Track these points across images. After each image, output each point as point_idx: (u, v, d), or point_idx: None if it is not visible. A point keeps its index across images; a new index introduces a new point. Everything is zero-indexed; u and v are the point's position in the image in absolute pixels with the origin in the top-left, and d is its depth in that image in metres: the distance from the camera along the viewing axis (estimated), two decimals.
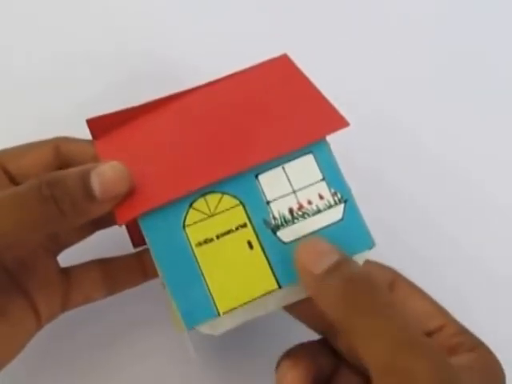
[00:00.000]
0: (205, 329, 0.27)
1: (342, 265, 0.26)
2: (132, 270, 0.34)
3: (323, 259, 0.26)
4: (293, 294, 0.28)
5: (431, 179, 0.44)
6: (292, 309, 0.30)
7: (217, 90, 0.31)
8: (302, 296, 0.28)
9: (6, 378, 0.35)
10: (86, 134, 0.32)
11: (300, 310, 0.31)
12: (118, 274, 0.34)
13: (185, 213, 0.27)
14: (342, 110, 0.29)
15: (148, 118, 0.31)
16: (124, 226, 0.34)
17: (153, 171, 0.28)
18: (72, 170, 0.27)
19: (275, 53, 0.33)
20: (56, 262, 0.33)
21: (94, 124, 0.31)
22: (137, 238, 0.34)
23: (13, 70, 0.45)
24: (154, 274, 0.33)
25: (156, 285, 0.33)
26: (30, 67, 0.45)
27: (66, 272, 0.33)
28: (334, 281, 0.25)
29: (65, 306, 0.33)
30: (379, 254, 0.30)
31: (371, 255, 0.29)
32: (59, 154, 0.32)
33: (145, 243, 0.32)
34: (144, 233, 0.27)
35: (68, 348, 0.37)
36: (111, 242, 0.36)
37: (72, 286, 0.33)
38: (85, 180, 0.26)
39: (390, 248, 0.32)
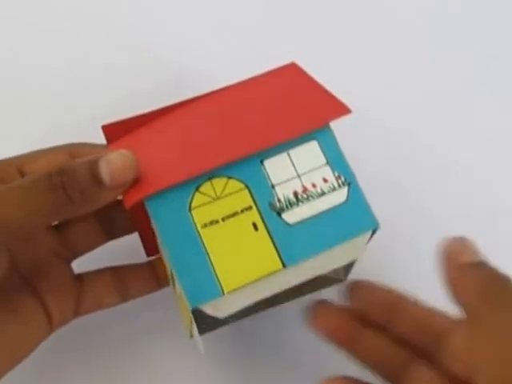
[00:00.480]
0: (209, 309, 0.28)
1: (486, 263, 0.29)
2: (145, 276, 0.36)
3: (470, 254, 0.29)
4: (297, 276, 0.29)
5: (429, 174, 0.46)
6: (360, 356, 0.32)
7: (226, 94, 0.34)
8: (306, 277, 0.29)
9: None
10: (101, 140, 0.35)
11: (370, 356, 0.32)
12: (130, 280, 0.36)
13: (191, 196, 0.29)
14: None
15: (159, 120, 0.33)
16: (138, 235, 0.36)
17: (161, 160, 0.30)
18: (81, 159, 0.29)
19: (283, 59, 0.36)
20: (69, 268, 0.35)
21: (108, 130, 0.33)
22: (150, 247, 0.36)
23: (31, 77, 0.49)
24: (167, 283, 0.35)
25: (168, 293, 0.35)
26: (47, 74, 0.49)
27: (79, 277, 0.35)
28: (476, 273, 0.28)
29: (77, 311, 0.34)
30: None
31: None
32: (73, 159, 0.34)
33: (158, 252, 0.34)
34: (150, 214, 0.29)
35: (72, 355, 0.38)
36: (125, 252, 0.38)
37: (84, 290, 0.35)
38: (93, 168, 0.28)
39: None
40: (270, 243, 0.28)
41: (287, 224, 0.29)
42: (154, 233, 0.33)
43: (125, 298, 0.36)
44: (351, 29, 0.53)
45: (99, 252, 0.37)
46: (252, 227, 0.29)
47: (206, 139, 0.31)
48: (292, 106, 0.31)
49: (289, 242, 0.28)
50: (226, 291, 0.27)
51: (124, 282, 0.36)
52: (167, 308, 0.36)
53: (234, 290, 0.28)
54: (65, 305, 0.34)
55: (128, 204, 0.29)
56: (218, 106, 0.33)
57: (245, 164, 0.29)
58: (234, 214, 0.29)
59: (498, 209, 0.44)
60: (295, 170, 0.30)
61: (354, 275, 0.36)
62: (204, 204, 0.29)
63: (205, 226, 0.28)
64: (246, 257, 0.28)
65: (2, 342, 0.31)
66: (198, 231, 0.28)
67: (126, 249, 0.38)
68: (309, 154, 0.30)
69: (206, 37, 0.52)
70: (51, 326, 0.33)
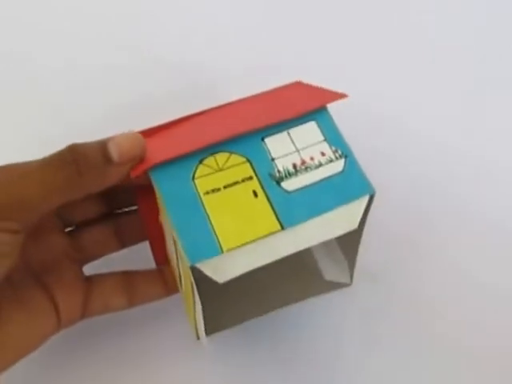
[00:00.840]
0: (208, 270, 0.30)
1: None
2: (153, 281, 0.39)
3: None
4: (296, 243, 0.31)
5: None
6: None
7: (235, 103, 0.38)
8: (306, 245, 0.31)
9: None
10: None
11: None
12: (139, 284, 0.38)
13: (194, 167, 0.32)
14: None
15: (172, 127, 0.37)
16: (148, 245, 0.39)
17: (168, 141, 0.34)
18: (91, 141, 0.32)
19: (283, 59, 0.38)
20: (80, 269, 0.38)
21: None
22: (160, 256, 0.39)
23: (31, 77, 0.52)
24: (175, 290, 0.38)
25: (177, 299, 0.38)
26: (47, 74, 0.52)
27: (89, 278, 0.38)
28: None
29: (85, 310, 0.37)
30: None
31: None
32: None
33: (167, 261, 0.37)
34: (154, 183, 0.32)
35: (78, 356, 0.40)
36: (136, 261, 0.40)
37: (93, 289, 0.37)
38: (103, 148, 0.31)
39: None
40: (269, 208, 0.31)
41: (286, 191, 0.32)
42: (163, 242, 0.37)
43: (132, 301, 0.38)
44: (351, 29, 0.56)
45: (111, 261, 0.40)
46: (252, 194, 0.32)
47: (212, 124, 0.34)
48: (293, 98, 0.36)
49: (287, 207, 0.31)
50: (224, 249, 0.30)
51: (132, 285, 0.38)
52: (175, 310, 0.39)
53: (233, 248, 0.30)
54: (72, 300, 0.36)
55: (134, 174, 0.31)
56: (227, 109, 0.37)
57: (247, 141, 0.33)
58: (235, 183, 0.32)
59: (498, 208, 0.47)
60: (294, 146, 0.33)
61: (356, 276, 0.39)
62: (207, 174, 0.32)
63: (207, 193, 0.31)
64: (245, 220, 0.31)
65: (7, 332, 0.33)
66: (200, 198, 0.31)
67: (137, 259, 0.40)
68: (307, 133, 0.33)
69: (206, 37, 0.55)
70: (58, 322, 0.35)
